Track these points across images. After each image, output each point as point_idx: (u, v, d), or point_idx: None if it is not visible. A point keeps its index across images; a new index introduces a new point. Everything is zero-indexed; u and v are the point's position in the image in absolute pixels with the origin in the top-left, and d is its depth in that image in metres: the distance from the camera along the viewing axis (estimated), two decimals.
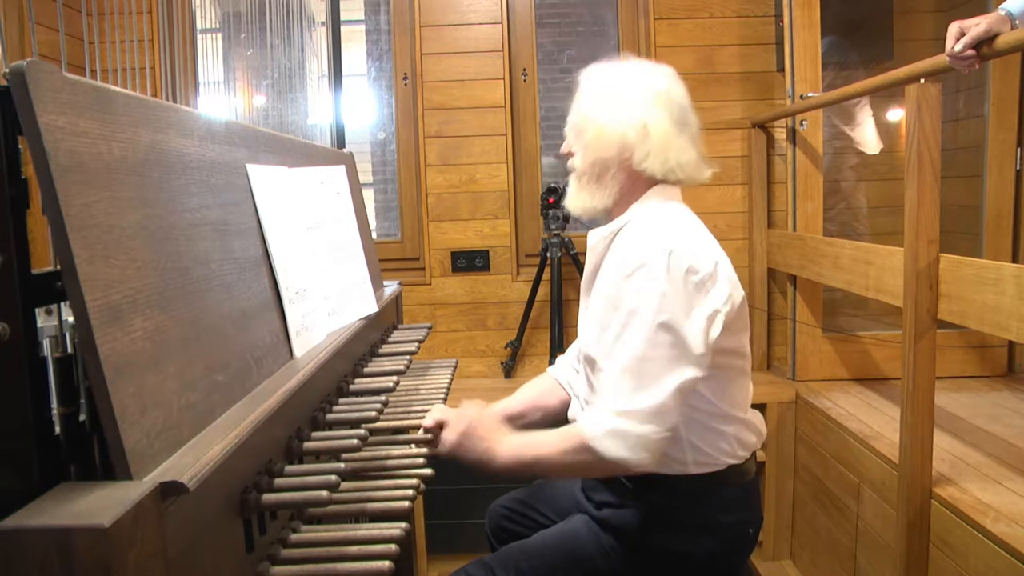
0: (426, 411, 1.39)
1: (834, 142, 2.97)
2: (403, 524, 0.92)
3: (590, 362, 1.30)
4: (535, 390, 1.56)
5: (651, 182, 1.31)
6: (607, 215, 1.35)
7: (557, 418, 1.51)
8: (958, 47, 1.44)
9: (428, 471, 1.12)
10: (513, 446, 1.27)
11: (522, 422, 1.50)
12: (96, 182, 0.70)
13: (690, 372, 1.17)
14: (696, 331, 1.17)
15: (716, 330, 1.18)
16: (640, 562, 1.27)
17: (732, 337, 1.24)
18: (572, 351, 1.57)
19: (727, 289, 1.20)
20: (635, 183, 1.31)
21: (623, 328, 1.19)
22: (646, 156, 1.27)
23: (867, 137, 2.95)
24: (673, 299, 1.16)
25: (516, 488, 1.62)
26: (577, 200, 1.35)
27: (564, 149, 1.38)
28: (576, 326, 3.03)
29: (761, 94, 2.85)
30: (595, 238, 1.35)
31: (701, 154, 1.32)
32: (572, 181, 1.37)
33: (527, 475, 1.28)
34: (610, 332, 1.21)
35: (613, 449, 1.16)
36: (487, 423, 1.31)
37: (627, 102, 1.28)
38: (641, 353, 1.16)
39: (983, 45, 1.42)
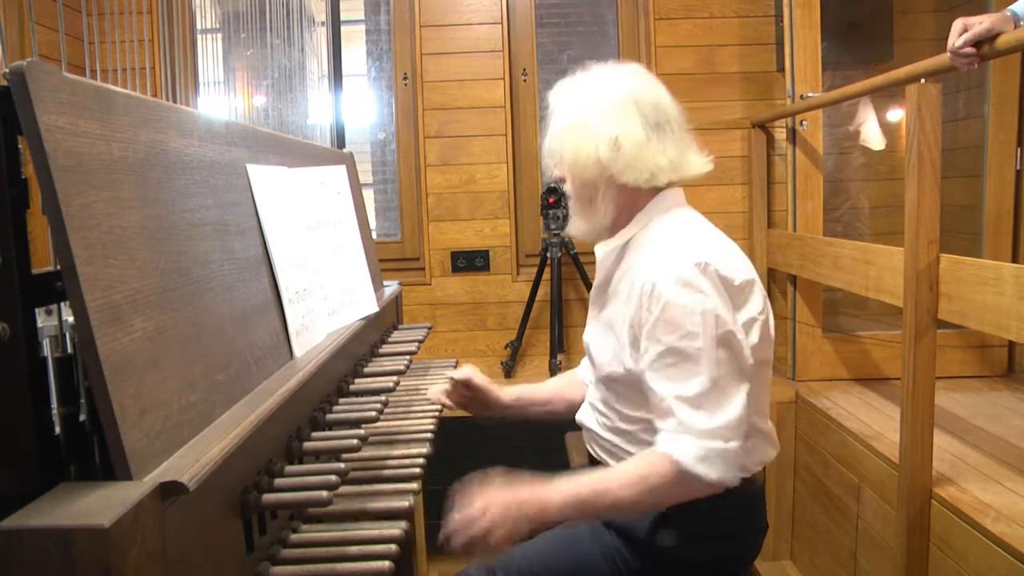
0: (426, 411, 1.40)
1: (841, 142, 2.98)
2: (403, 524, 0.92)
3: (611, 380, 1.28)
4: (562, 381, 1.56)
5: (646, 191, 1.28)
6: (611, 231, 1.33)
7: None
8: (959, 42, 1.44)
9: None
10: (573, 495, 1.16)
11: (546, 408, 1.52)
12: (96, 182, 0.70)
13: (747, 383, 1.16)
14: (743, 340, 1.17)
15: (754, 338, 1.18)
16: (645, 566, 1.26)
17: (766, 346, 1.23)
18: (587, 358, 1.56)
19: (760, 297, 1.20)
20: (630, 196, 1.28)
21: (684, 355, 1.14)
22: (624, 170, 1.24)
23: (871, 134, 2.95)
24: (722, 312, 1.15)
25: None
26: (576, 227, 1.34)
27: (553, 175, 1.36)
28: (576, 326, 3.01)
29: (761, 94, 2.84)
30: (602, 252, 1.32)
31: (685, 148, 1.28)
32: (570, 206, 1.35)
33: (591, 517, 1.24)
34: (664, 360, 1.16)
35: (712, 471, 1.12)
36: (512, 499, 1.15)
37: (594, 120, 1.24)
38: (712, 376, 1.13)
39: (984, 43, 1.42)
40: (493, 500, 1.14)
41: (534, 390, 1.53)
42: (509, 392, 1.49)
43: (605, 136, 1.23)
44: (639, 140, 1.23)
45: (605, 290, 1.34)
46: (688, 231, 1.24)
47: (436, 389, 1.44)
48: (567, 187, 1.33)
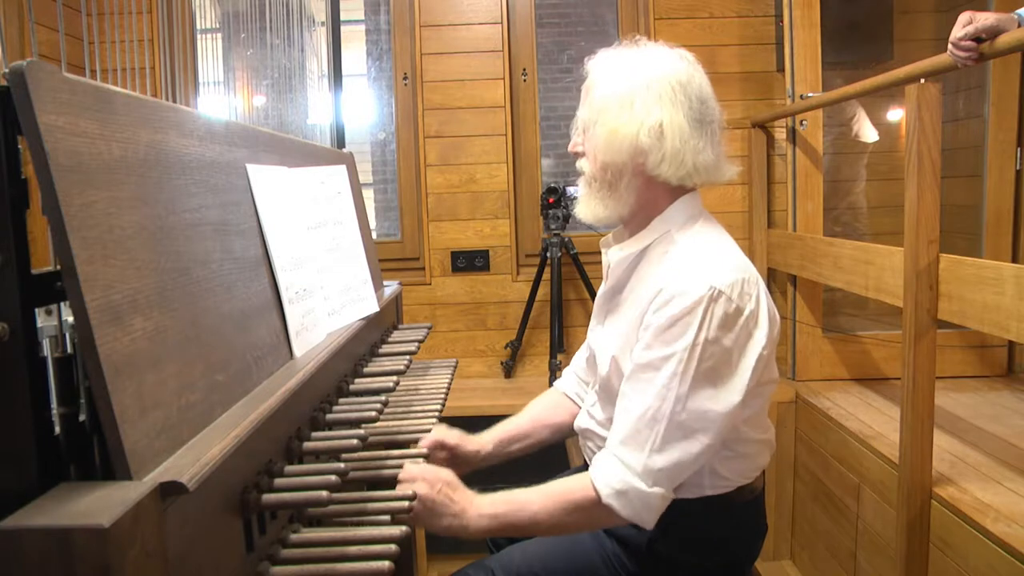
0: (426, 411, 1.39)
1: (839, 142, 2.98)
2: (402, 525, 0.92)
3: (609, 390, 1.24)
4: (541, 406, 1.50)
5: (670, 190, 1.21)
6: (623, 225, 1.28)
7: (567, 433, 1.47)
8: (960, 33, 1.44)
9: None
10: (491, 507, 1.14)
11: (528, 442, 1.45)
12: (96, 182, 0.70)
13: (715, 435, 1.11)
14: (738, 386, 1.11)
15: (756, 375, 1.13)
16: (644, 572, 1.25)
17: (768, 368, 1.18)
18: (577, 363, 1.52)
19: (766, 327, 1.13)
20: (653, 192, 1.21)
21: (659, 376, 1.10)
22: (660, 161, 1.16)
23: (863, 128, 2.96)
24: (722, 347, 1.09)
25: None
26: (588, 209, 1.24)
27: (572, 147, 1.27)
28: (576, 326, 3.02)
29: (761, 94, 2.85)
30: (616, 257, 1.25)
31: (721, 153, 1.21)
32: (582, 186, 1.25)
33: (512, 531, 1.19)
34: (645, 376, 1.12)
35: (625, 509, 1.10)
36: (446, 482, 1.15)
37: (642, 100, 1.16)
38: (673, 405, 1.08)
39: (985, 41, 1.43)
40: (425, 476, 1.12)
41: (513, 426, 1.45)
42: (487, 439, 1.41)
43: (650, 120, 1.15)
44: (683, 132, 1.15)
45: (615, 297, 1.29)
46: (709, 250, 1.17)
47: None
48: (584, 164, 1.25)
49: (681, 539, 1.24)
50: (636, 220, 1.25)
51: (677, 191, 1.22)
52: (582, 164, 1.26)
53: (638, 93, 1.17)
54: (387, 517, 0.97)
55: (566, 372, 1.55)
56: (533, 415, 1.48)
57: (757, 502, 1.30)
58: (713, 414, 1.10)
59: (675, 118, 1.16)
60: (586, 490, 1.13)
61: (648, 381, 1.11)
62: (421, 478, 1.12)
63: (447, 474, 1.17)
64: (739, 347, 1.11)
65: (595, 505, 1.12)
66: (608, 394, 1.26)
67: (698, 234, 1.20)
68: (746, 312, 1.11)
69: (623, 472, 1.11)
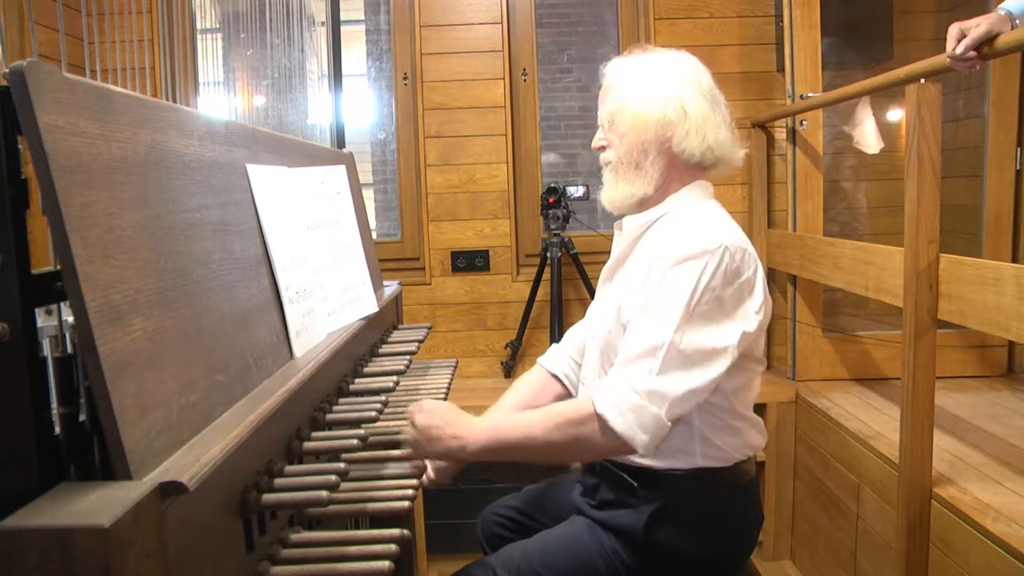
0: None
1: (835, 142, 2.98)
2: (403, 525, 0.93)
3: (610, 349, 1.29)
4: (529, 389, 1.52)
5: (689, 170, 1.31)
6: (640, 206, 1.33)
7: None
8: (959, 49, 1.43)
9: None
10: (488, 427, 1.22)
11: None
12: (96, 182, 0.70)
13: (713, 373, 1.17)
14: (730, 333, 1.18)
15: (748, 336, 1.20)
16: (642, 563, 1.27)
17: (756, 343, 1.26)
18: (570, 339, 1.55)
19: (761, 297, 1.21)
20: (674, 169, 1.30)
21: (663, 309, 1.17)
22: (686, 135, 1.26)
23: (867, 137, 2.95)
24: (718, 296, 1.17)
25: (510, 493, 1.61)
26: (615, 190, 1.32)
27: (596, 144, 1.36)
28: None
29: (761, 94, 2.84)
30: (631, 225, 1.33)
31: (733, 131, 1.32)
32: (607, 174, 1.34)
33: (506, 457, 1.23)
34: (651, 311, 1.19)
35: (621, 422, 1.14)
36: (444, 410, 1.23)
37: (661, 84, 1.28)
38: (674, 335, 1.15)
39: (983, 46, 1.42)
40: (423, 408, 1.21)
41: (503, 411, 1.48)
42: None
43: (672, 99, 1.26)
44: (703, 108, 1.27)
45: (620, 264, 1.36)
46: (712, 216, 1.27)
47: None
48: (609, 154, 1.33)
49: (676, 525, 1.25)
50: (653, 199, 1.32)
51: (694, 172, 1.32)
52: (607, 155, 1.34)
53: (657, 80, 1.29)
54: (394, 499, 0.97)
55: (553, 349, 1.56)
56: (523, 398, 1.50)
57: (750, 487, 1.32)
58: (710, 349, 1.16)
59: (694, 97, 1.28)
60: (583, 405, 1.19)
61: (654, 316, 1.18)
62: (419, 410, 1.21)
63: (445, 406, 1.24)
64: (733, 302, 1.19)
65: (589, 418, 1.16)
66: (607, 353, 1.30)
67: (708, 208, 1.30)
68: (743, 276, 1.19)
69: (621, 387, 1.16)
